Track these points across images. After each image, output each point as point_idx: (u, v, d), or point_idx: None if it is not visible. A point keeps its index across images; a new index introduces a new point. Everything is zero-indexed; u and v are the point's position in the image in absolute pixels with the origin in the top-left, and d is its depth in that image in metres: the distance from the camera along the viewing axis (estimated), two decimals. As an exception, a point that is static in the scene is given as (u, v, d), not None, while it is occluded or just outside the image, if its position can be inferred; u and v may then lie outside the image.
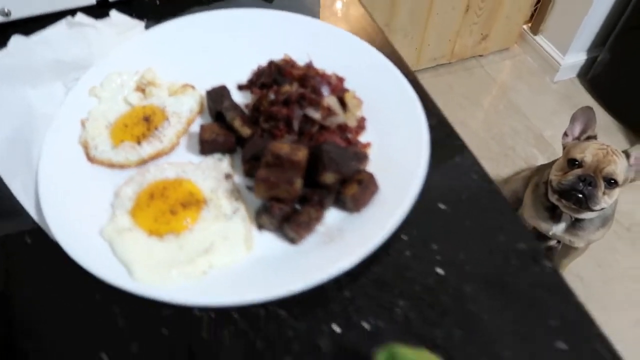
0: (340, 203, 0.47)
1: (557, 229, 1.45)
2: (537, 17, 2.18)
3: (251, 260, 0.44)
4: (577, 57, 2.12)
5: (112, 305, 0.43)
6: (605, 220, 1.44)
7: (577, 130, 1.37)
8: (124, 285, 0.41)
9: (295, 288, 0.40)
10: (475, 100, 2.16)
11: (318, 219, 0.45)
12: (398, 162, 0.49)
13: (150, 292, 0.41)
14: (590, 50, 2.11)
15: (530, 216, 1.51)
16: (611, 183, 1.27)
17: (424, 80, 2.18)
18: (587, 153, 1.27)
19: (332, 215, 0.48)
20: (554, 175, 1.32)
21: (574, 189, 1.25)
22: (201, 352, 0.41)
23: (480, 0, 1.97)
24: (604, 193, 1.27)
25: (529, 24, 2.24)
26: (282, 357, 0.40)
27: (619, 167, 1.27)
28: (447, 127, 0.55)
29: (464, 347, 0.41)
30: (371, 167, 0.50)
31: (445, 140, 0.55)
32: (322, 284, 0.42)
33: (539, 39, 2.20)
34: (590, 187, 1.25)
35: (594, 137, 1.35)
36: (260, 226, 0.46)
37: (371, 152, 0.52)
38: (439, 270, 0.45)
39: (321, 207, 0.45)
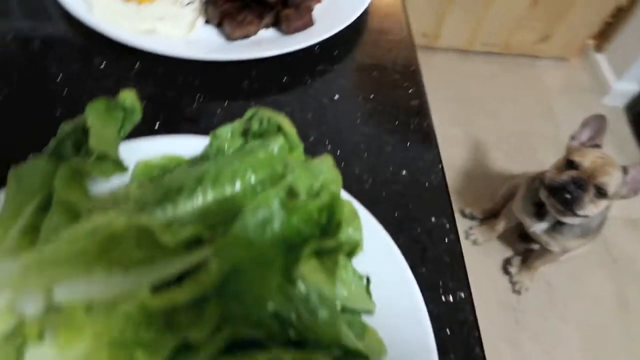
0: (277, 25, 0.55)
1: (539, 227, 1.47)
2: (603, 34, 2.14)
3: (189, 39, 0.53)
4: (629, 86, 2.08)
5: (74, 38, 0.53)
6: (586, 232, 1.45)
7: (585, 136, 1.37)
8: (83, 17, 0.51)
9: (214, 57, 0.49)
10: (514, 96, 2.16)
11: (253, 24, 0.53)
12: (339, 15, 0.56)
13: (102, 27, 0.50)
14: (646, 83, 2.06)
15: (518, 208, 1.54)
16: (601, 193, 1.27)
17: (472, 62, 2.21)
18: (586, 158, 1.28)
19: (268, 34, 0.56)
20: (549, 172, 1.34)
21: (563, 188, 1.27)
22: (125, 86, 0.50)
23: (551, -2, 1.95)
24: (591, 200, 1.28)
25: (595, 40, 2.20)
26: (184, 108, 0.49)
27: (612, 180, 1.28)
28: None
29: (326, 151, 0.49)
30: (317, 15, 0.57)
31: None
32: (238, 77, 0.51)
33: (600, 57, 2.17)
34: (579, 190, 1.26)
35: (599, 146, 1.35)
36: (206, 20, 0.55)
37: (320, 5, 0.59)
38: (336, 96, 0.52)
39: (260, 17, 0.53)
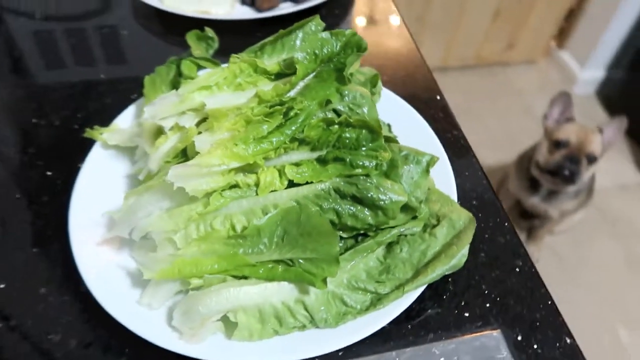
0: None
1: (535, 199, 1.63)
2: (563, 32, 2.40)
3: (232, 14, 0.74)
4: (595, 73, 2.31)
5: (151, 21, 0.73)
6: (578, 193, 1.59)
7: (556, 113, 1.51)
8: (158, 5, 0.71)
9: (253, 17, 0.69)
10: (494, 100, 2.39)
11: None
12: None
13: (173, 11, 0.71)
14: (608, 68, 2.29)
15: (514, 187, 1.69)
16: (591, 159, 1.43)
17: (451, 77, 2.44)
18: (571, 134, 1.43)
19: (287, 5, 0.76)
20: (541, 157, 1.48)
21: (561, 168, 1.42)
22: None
23: (510, 8, 2.20)
24: (585, 169, 1.42)
25: (556, 40, 2.46)
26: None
27: (597, 145, 1.44)
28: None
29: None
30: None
31: None
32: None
33: (563, 53, 2.41)
34: (575, 165, 1.41)
35: (572, 119, 1.50)
36: (242, 1, 0.75)
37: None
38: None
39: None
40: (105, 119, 0.55)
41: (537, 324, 0.44)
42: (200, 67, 0.53)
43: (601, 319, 1.65)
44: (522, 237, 1.86)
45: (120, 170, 0.52)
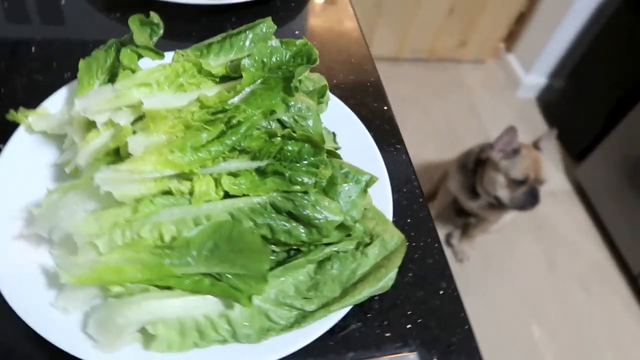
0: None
1: (475, 204, 1.70)
2: (512, 35, 2.47)
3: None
4: (537, 79, 2.41)
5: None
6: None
7: (501, 144, 1.54)
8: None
9: (206, 2, 0.66)
10: (442, 95, 2.44)
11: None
12: None
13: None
14: (550, 76, 2.40)
15: (454, 188, 1.75)
16: (544, 182, 1.55)
17: (403, 68, 2.47)
18: (527, 171, 1.51)
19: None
20: (502, 194, 1.56)
21: (526, 203, 1.55)
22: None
23: (464, 6, 2.25)
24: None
25: (505, 42, 2.53)
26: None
27: (546, 167, 1.55)
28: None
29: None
30: None
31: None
32: (222, 21, 0.68)
33: (510, 56, 2.49)
34: (536, 197, 1.55)
35: (518, 151, 1.53)
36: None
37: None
38: (297, 32, 0.70)
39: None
40: (32, 99, 0.52)
41: (453, 347, 0.46)
42: (141, 56, 0.51)
43: (518, 315, 1.76)
44: (457, 233, 1.93)
45: (45, 159, 0.49)
